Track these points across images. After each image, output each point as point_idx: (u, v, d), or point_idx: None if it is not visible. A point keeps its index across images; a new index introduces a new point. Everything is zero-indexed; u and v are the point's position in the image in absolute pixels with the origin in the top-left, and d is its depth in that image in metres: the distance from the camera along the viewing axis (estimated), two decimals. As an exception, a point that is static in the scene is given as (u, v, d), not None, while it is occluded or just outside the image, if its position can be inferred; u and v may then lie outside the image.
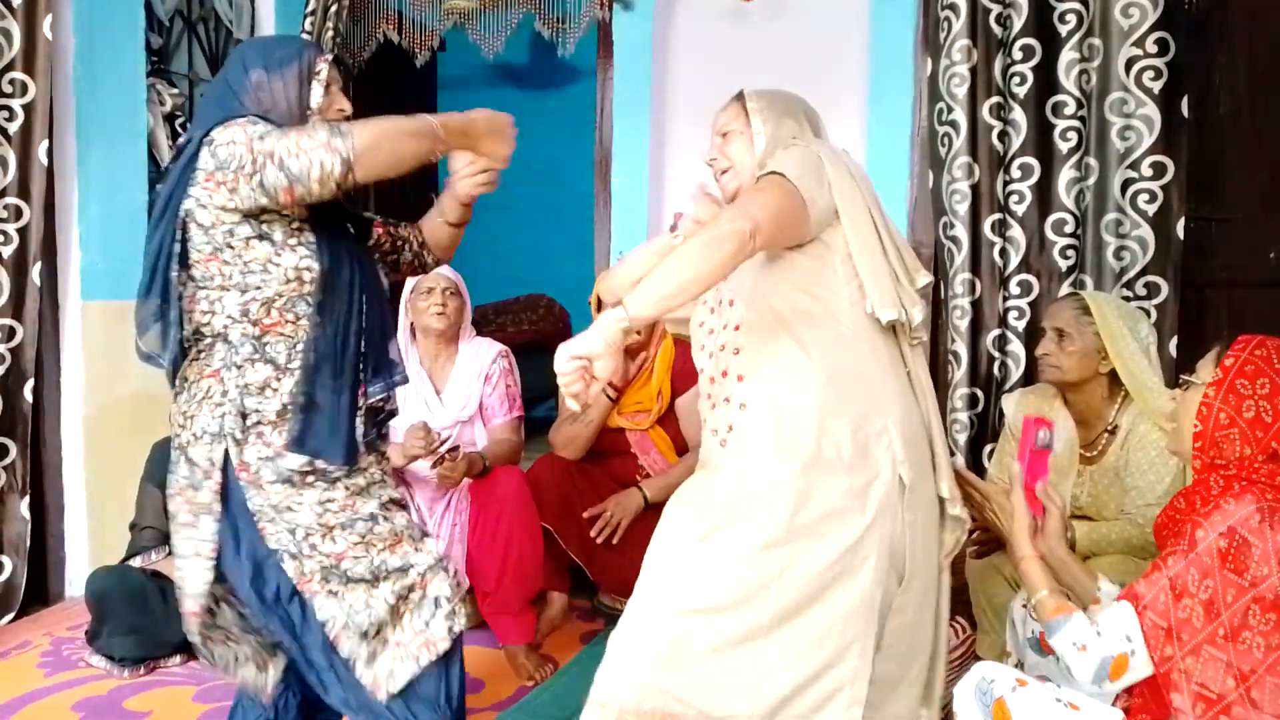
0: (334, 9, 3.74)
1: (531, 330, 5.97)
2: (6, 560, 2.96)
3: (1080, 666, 1.49)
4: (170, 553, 2.77)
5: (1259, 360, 1.56)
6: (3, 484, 2.96)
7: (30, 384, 2.98)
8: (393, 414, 1.88)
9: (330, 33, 3.75)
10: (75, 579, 3.13)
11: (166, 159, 3.35)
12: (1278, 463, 1.52)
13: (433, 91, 6.18)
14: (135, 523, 2.83)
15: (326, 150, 1.58)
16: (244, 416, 1.69)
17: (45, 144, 2.92)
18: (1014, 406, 2.58)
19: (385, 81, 4.14)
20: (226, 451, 1.69)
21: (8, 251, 2.91)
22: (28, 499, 2.99)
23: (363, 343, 1.77)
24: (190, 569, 1.73)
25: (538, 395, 5.29)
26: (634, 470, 3.02)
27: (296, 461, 1.70)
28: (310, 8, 3.69)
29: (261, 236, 1.67)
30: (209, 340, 1.73)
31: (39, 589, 3.07)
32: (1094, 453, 2.41)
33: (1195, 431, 1.58)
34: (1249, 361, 1.56)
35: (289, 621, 1.75)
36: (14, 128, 2.88)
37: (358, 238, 1.87)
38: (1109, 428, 2.40)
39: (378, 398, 1.81)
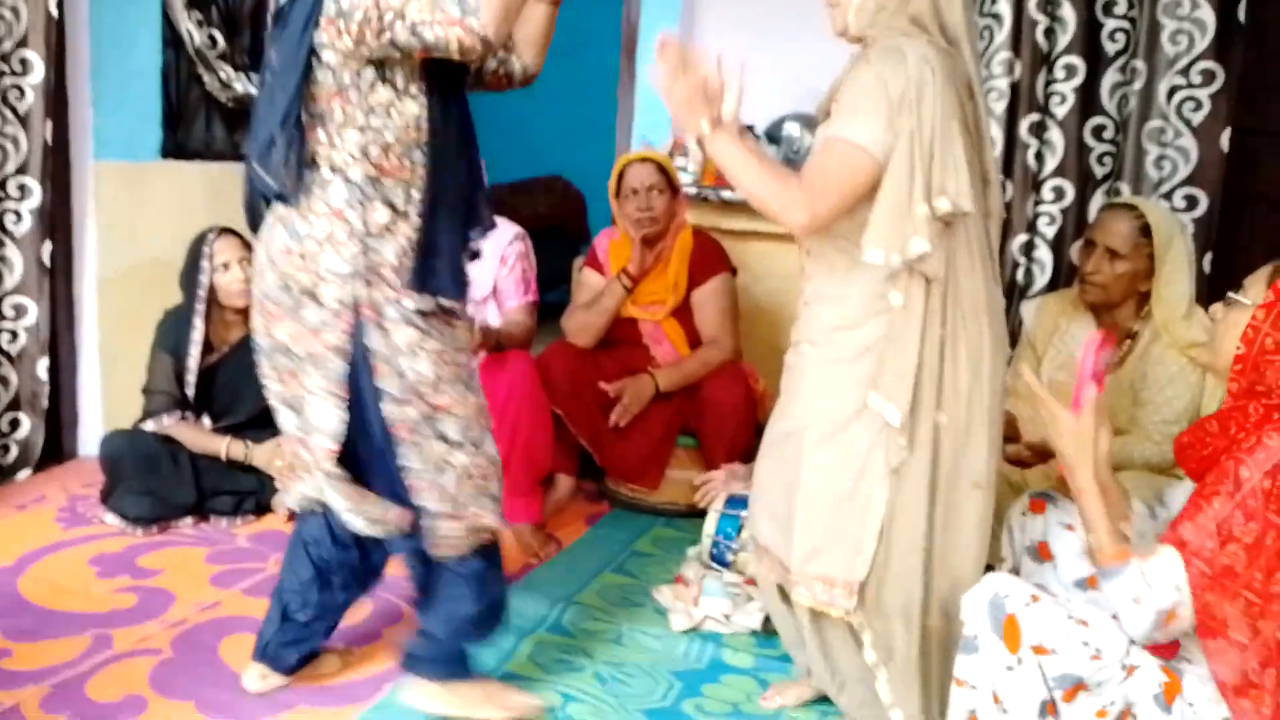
0: None
1: (547, 213, 5.88)
2: (24, 418, 2.99)
3: (1134, 620, 1.43)
4: (183, 417, 2.81)
5: None
6: (24, 344, 2.97)
7: (48, 246, 2.95)
8: (477, 254, 1.91)
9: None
10: (89, 438, 3.16)
11: (180, 17, 3.24)
12: None
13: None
14: (147, 387, 2.84)
15: (463, 30, 1.61)
16: (368, 254, 1.73)
17: (56, -6, 2.83)
18: (1033, 313, 2.53)
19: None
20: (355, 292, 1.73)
21: (22, 107, 2.85)
22: (46, 359, 3.00)
23: (465, 189, 1.82)
24: (323, 410, 1.76)
25: (551, 280, 5.25)
26: (645, 360, 3.01)
27: (423, 303, 1.75)
28: None
29: (385, 80, 1.69)
30: (326, 176, 1.73)
31: (53, 446, 3.10)
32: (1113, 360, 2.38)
33: (1238, 354, 1.51)
34: None
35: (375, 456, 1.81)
36: (24, -24, 2.79)
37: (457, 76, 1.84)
38: (1129, 334, 2.36)
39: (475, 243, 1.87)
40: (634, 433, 2.92)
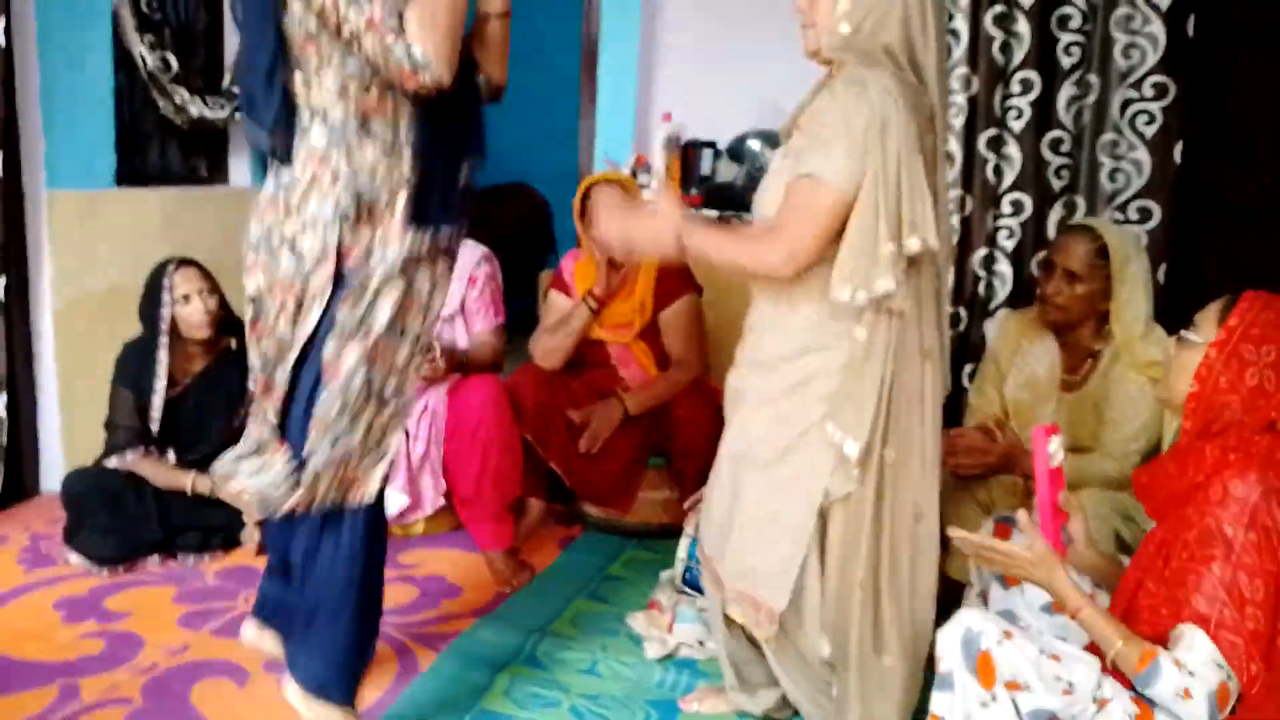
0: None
1: (513, 221, 5.86)
2: (-18, 456, 2.94)
3: (1191, 713, 1.39)
4: (146, 452, 2.76)
5: (1265, 324, 1.48)
6: (-21, 381, 2.91)
7: (2, 279, 2.89)
8: (470, 188, 1.88)
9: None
10: (51, 473, 3.11)
11: (132, 40, 3.18)
12: (1273, 433, 1.47)
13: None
14: (109, 422, 2.79)
15: (415, 83, 1.64)
16: (358, 197, 1.70)
17: (2, 21, 2.76)
18: (996, 332, 2.57)
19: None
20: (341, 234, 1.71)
21: (-32, 138, 2.79)
22: (4, 395, 2.94)
23: (457, 117, 1.79)
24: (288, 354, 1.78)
25: (519, 288, 5.24)
26: (614, 382, 3.01)
27: (416, 242, 1.74)
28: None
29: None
30: (304, 121, 1.71)
31: (14, 483, 3.05)
32: (1076, 378, 2.41)
33: (1191, 392, 1.53)
34: (1255, 324, 1.48)
35: (297, 388, 1.80)
36: (-31, 6, 2.73)
37: None
38: (1091, 353, 2.40)
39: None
40: (605, 456, 2.92)
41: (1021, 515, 1.63)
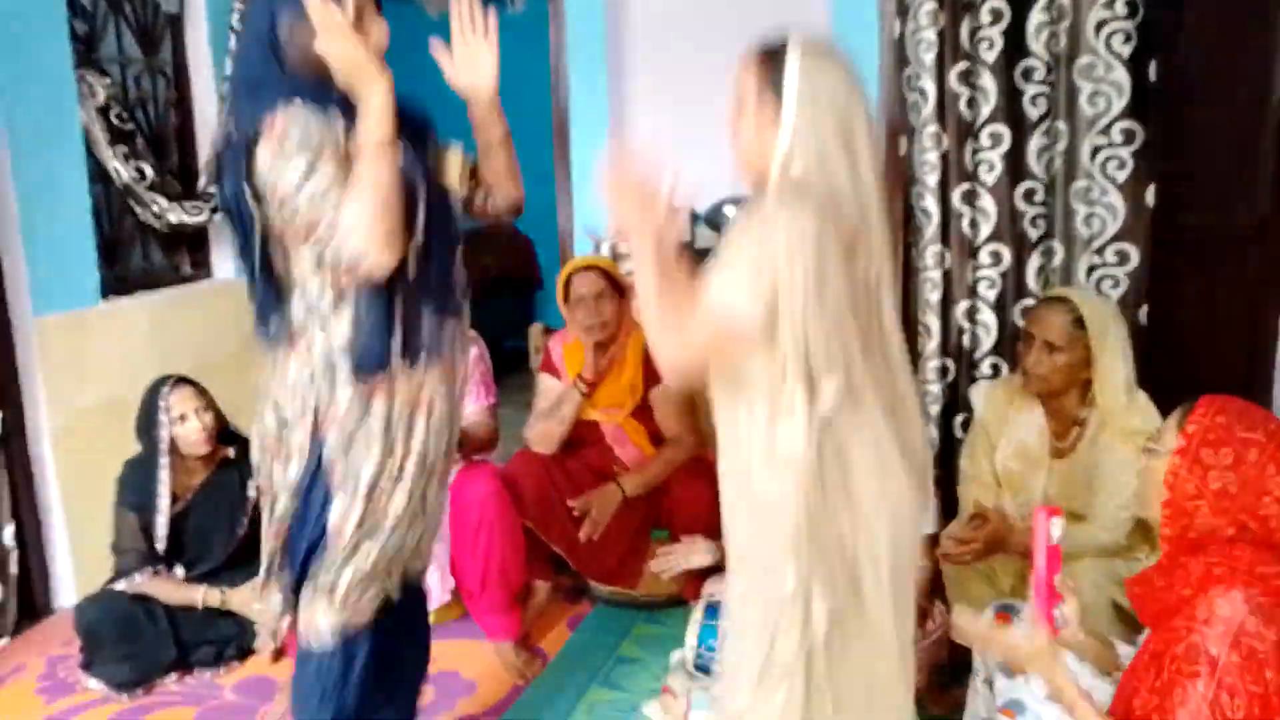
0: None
1: (495, 264, 5.87)
2: (-7, 587, 2.96)
3: None
4: (155, 571, 2.79)
5: (1221, 428, 1.54)
6: (-11, 515, 2.93)
7: (-1, 412, 2.92)
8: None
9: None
10: (62, 591, 3.14)
11: (105, 155, 3.20)
12: (1251, 542, 1.52)
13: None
14: (115, 545, 2.82)
15: (349, 272, 1.67)
16: (332, 367, 1.75)
17: (-25, 164, 2.78)
18: (983, 401, 2.60)
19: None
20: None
21: (-49, 278, 2.80)
22: (11, 526, 2.96)
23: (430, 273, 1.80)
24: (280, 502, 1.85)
25: (508, 328, 5.28)
26: (610, 461, 3.04)
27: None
28: (242, -27, 3.49)
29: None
30: (287, 292, 1.76)
31: (26, 606, 3.07)
32: (1065, 445, 2.45)
33: (1164, 501, 1.57)
34: (1211, 429, 1.55)
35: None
36: (-59, 147, 2.74)
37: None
38: (1077, 420, 2.43)
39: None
40: (608, 539, 2.95)
41: (1027, 608, 1.64)
